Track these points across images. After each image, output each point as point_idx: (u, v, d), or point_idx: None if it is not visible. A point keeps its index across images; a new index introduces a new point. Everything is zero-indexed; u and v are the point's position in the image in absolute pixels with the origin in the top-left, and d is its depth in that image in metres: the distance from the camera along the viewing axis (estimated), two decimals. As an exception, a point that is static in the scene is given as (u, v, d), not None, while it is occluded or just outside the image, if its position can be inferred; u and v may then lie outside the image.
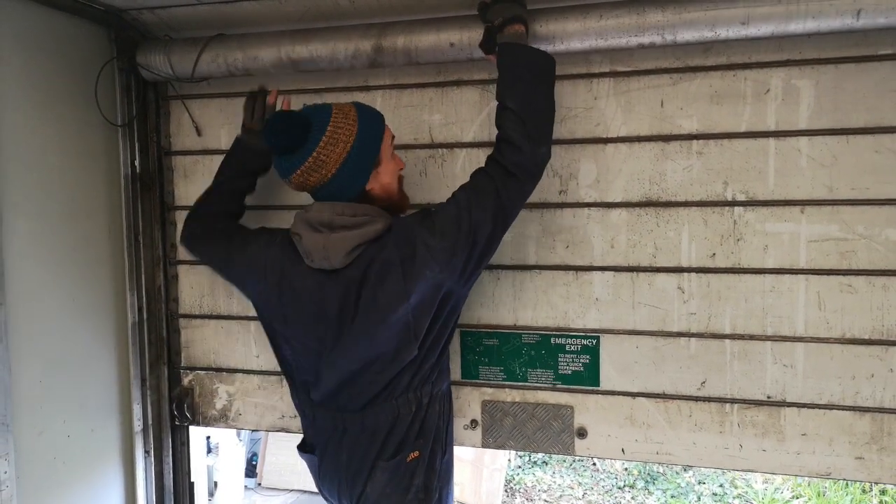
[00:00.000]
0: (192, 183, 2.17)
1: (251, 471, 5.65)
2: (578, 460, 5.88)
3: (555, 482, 5.71)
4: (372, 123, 1.51)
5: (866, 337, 1.71)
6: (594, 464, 5.90)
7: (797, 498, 5.28)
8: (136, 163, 2.12)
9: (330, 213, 1.49)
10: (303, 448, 1.78)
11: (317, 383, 1.63)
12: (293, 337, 1.64)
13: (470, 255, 1.49)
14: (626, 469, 5.80)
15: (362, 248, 1.49)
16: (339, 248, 1.47)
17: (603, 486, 5.67)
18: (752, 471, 1.85)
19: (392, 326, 1.50)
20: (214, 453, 5.09)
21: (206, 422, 2.24)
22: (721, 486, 5.60)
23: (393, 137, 1.61)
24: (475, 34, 1.68)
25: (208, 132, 2.14)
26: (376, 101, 1.98)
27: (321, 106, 1.52)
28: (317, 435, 1.72)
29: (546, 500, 5.47)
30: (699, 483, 5.64)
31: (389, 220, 1.54)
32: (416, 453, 1.59)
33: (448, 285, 1.51)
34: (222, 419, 2.23)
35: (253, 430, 4.72)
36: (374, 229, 1.49)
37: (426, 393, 1.60)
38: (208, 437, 5.08)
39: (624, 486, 5.66)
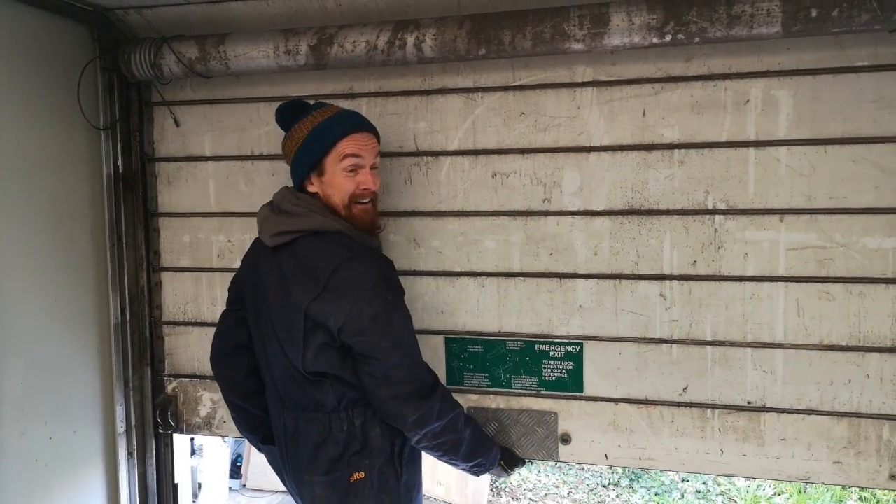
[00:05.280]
0: (176, 189, 2.16)
1: (236, 472, 5.62)
2: (564, 459, 5.90)
3: (540, 481, 5.73)
4: (321, 135, 1.56)
5: (844, 343, 1.74)
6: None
7: (779, 495, 5.35)
8: (119, 163, 2.11)
9: (283, 195, 1.63)
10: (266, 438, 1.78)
11: (265, 367, 1.67)
12: (251, 315, 1.69)
13: (368, 343, 1.49)
14: (610, 467, 5.84)
15: (291, 235, 1.55)
16: (271, 227, 1.59)
17: (588, 485, 5.70)
18: (732, 475, 1.87)
19: (293, 332, 1.52)
20: (199, 455, 5.06)
21: (190, 429, 2.23)
22: (704, 483, 5.65)
23: (352, 155, 1.56)
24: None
25: (192, 138, 2.13)
26: (361, 108, 1.97)
27: (315, 104, 1.67)
28: (273, 423, 1.71)
29: (532, 500, 5.49)
30: (683, 481, 5.69)
31: (336, 226, 1.56)
32: (361, 475, 1.54)
33: (340, 341, 1.51)
34: (206, 427, 2.22)
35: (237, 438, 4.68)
36: (305, 222, 1.55)
37: (359, 414, 1.55)
38: (192, 439, 5.04)
39: (609, 484, 5.69)
